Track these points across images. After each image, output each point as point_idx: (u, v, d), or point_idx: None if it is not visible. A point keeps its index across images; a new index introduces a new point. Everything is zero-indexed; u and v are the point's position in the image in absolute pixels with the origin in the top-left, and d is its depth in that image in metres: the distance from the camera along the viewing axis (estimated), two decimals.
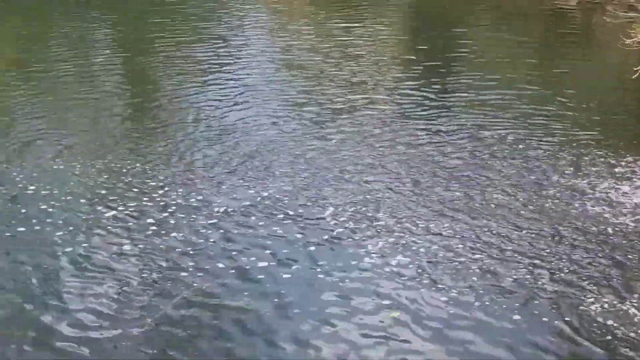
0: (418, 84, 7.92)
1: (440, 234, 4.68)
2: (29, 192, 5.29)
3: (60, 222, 4.85)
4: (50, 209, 5.01)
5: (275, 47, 9.69)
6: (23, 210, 5.02)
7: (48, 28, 10.61)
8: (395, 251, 4.48)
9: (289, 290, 4.11)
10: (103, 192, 5.27)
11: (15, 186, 5.37)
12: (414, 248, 4.51)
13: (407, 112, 7.09)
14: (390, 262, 4.36)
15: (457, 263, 4.34)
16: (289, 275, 4.25)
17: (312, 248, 4.53)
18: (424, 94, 7.58)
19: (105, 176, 5.52)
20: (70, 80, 8.16)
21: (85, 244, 4.57)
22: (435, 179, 5.54)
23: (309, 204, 5.11)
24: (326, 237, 4.65)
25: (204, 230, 4.74)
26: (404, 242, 4.59)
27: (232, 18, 11.35)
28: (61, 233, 4.71)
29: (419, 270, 4.28)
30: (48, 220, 4.88)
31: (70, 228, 4.76)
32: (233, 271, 4.28)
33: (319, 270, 4.29)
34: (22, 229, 4.79)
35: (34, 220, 4.88)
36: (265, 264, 4.36)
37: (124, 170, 5.63)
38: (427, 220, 4.87)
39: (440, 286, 4.12)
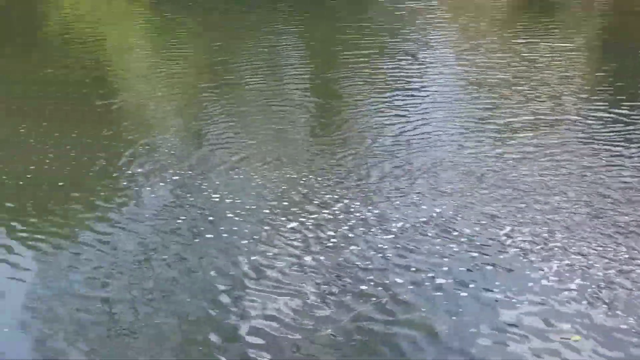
0: (606, 104, 7.67)
1: (618, 259, 4.54)
2: (213, 200, 5.55)
3: (243, 231, 5.05)
4: (234, 218, 5.23)
5: (460, 63, 9.65)
6: (210, 218, 5.28)
7: (239, 37, 11.05)
8: (571, 274, 4.37)
9: (464, 309, 4.10)
10: (283, 203, 5.45)
11: (200, 194, 5.65)
12: (590, 271, 4.39)
13: (592, 132, 6.89)
14: (566, 286, 4.26)
15: (634, 289, 4.20)
16: (465, 294, 4.24)
17: (488, 268, 4.51)
18: (612, 115, 7.33)
19: (284, 187, 5.71)
20: (256, 90, 8.47)
21: (266, 254, 4.73)
22: (613, 201, 5.37)
23: (483, 222, 5.07)
24: (501, 257, 4.61)
25: (380, 245, 4.80)
26: (579, 265, 4.48)
27: (417, 34, 11.42)
28: (244, 242, 4.90)
29: (596, 295, 4.16)
30: (232, 228, 5.09)
31: (252, 238, 4.95)
32: (410, 287, 4.31)
33: (494, 290, 4.26)
34: (210, 235, 5.04)
35: (220, 228, 5.11)
36: (441, 281, 4.37)
37: (302, 182, 5.80)
38: (604, 243, 4.73)
39: (618, 312, 4.00)
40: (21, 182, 5.96)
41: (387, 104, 7.92)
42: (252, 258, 4.67)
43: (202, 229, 5.11)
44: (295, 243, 4.86)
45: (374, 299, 4.20)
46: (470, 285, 4.32)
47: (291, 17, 12.84)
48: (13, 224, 5.29)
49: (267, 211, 5.33)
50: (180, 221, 5.23)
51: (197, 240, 4.96)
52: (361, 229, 5.03)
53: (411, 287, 4.31)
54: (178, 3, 12.53)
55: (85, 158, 6.39)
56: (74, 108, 7.83)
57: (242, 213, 5.30)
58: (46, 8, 12.38)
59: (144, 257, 4.76)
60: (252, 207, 5.39)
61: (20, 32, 10.85)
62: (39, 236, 5.11)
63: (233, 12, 12.07)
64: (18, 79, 8.64)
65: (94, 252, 4.86)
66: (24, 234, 5.15)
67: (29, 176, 6.05)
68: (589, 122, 7.15)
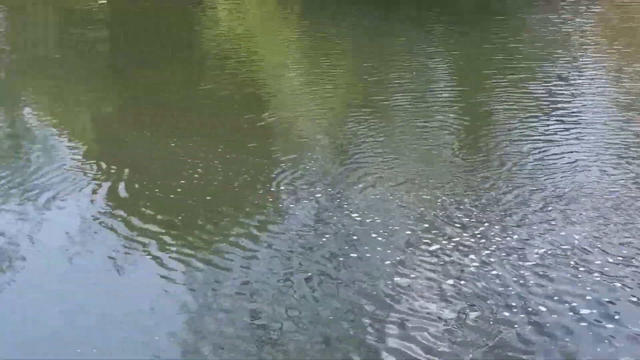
0: None
1: None
2: (354, 219, 5.63)
3: (384, 252, 5.12)
4: (375, 238, 5.32)
5: (614, 89, 9.41)
6: (352, 238, 5.38)
7: (388, 56, 11.13)
8: None
9: (608, 341, 4.02)
10: (423, 225, 5.48)
11: (342, 212, 5.76)
12: None
13: None
14: None
15: None
16: (609, 326, 4.16)
17: (632, 300, 4.41)
18: None
19: (424, 208, 5.74)
20: (403, 110, 8.51)
21: (407, 276, 4.79)
22: None
23: (619, 257, 4.95)
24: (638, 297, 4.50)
25: (520, 272, 4.77)
26: None
27: (570, 58, 11.19)
28: (385, 263, 4.98)
29: None
30: (373, 248, 5.17)
31: (393, 259, 5.02)
32: (552, 316, 4.27)
33: (633, 331, 4.16)
34: (352, 255, 5.12)
35: (361, 248, 5.20)
36: (584, 312, 4.31)
37: (443, 204, 5.82)
38: None
39: None
40: (172, 196, 6.22)
41: (534, 128, 7.82)
42: (393, 280, 4.74)
43: (344, 248, 5.22)
44: (435, 267, 4.90)
45: (515, 326, 4.18)
46: (615, 318, 4.23)
47: (441, 38, 12.84)
48: (164, 237, 5.53)
49: (408, 232, 5.38)
50: (323, 239, 5.36)
51: (339, 259, 5.07)
52: (501, 254, 5.02)
53: (553, 316, 4.27)
54: (331, 25, 12.75)
55: (231, 173, 6.61)
56: (223, 123, 8.12)
57: (383, 233, 5.37)
58: (203, 27, 12.87)
59: (288, 274, 4.91)
60: (393, 227, 5.46)
61: (178, 50, 11.32)
62: (188, 250, 5.33)
63: (383, 31, 12.17)
64: (174, 94, 9.02)
65: (240, 267, 5.04)
66: (174, 248, 5.37)
67: (179, 190, 6.32)
68: None
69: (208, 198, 6.18)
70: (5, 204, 6.06)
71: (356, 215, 5.72)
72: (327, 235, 5.41)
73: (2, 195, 6.20)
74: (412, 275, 4.78)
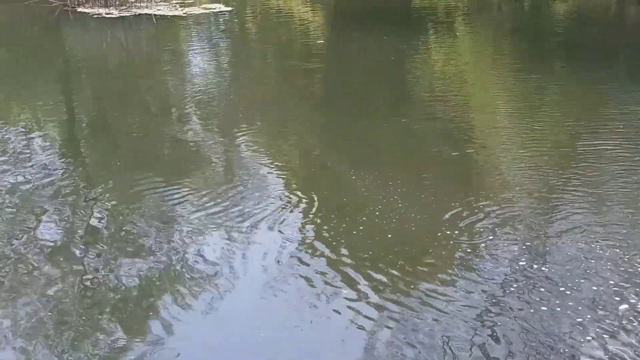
0: None
1: None
2: (553, 269, 5.44)
3: (578, 308, 4.90)
4: (572, 293, 5.10)
5: None
6: (549, 288, 5.19)
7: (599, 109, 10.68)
8: None
9: None
10: (625, 283, 5.20)
11: (540, 262, 5.57)
12: None
13: None
14: None
15: None
16: None
17: None
18: None
19: (630, 265, 5.45)
20: (615, 158, 8.10)
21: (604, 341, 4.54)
22: None
23: None
24: None
25: None
26: None
27: None
28: (577, 320, 4.75)
29: None
30: (566, 303, 4.98)
31: (585, 316, 4.78)
32: None
33: None
34: (544, 308, 4.95)
35: (557, 301, 5.01)
36: None
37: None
38: None
39: None
40: (370, 231, 6.26)
41: None
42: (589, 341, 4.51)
43: (537, 300, 5.03)
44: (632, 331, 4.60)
45: None
46: None
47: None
48: (359, 274, 5.58)
49: (604, 289, 5.10)
50: (519, 289, 5.20)
51: (530, 311, 4.90)
52: None
53: None
54: (546, 71, 12.39)
55: (434, 205, 6.57)
56: (425, 160, 8.08)
57: (581, 288, 5.12)
58: (416, 65, 12.93)
59: (476, 327, 4.82)
60: (593, 283, 5.19)
61: (388, 90, 11.43)
62: (381, 289, 5.36)
63: (601, 80, 11.62)
64: (381, 129, 9.11)
65: (435, 310, 5.01)
66: (369, 284, 5.42)
67: (377, 223, 6.35)
68: None
69: (407, 235, 6.17)
70: (214, 229, 6.38)
71: (555, 265, 5.48)
72: (523, 285, 5.24)
73: (212, 219, 6.53)
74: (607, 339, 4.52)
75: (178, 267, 5.77)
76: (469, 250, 5.84)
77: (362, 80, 11.60)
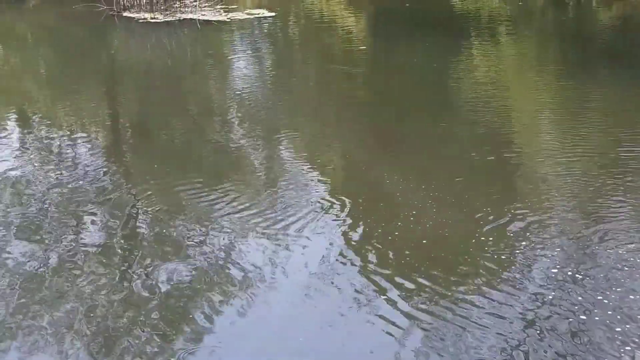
0: None
1: None
2: (589, 283, 5.43)
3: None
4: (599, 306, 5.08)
5: None
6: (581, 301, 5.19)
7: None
8: None
9: None
10: None
11: (576, 281, 5.56)
12: None
13: None
14: None
15: None
16: None
17: None
18: None
19: None
20: None
21: None
22: None
23: None
24: None
25: None
26: None
27: None
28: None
29: None
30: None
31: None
32: None
33: None
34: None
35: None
36: None
37: None
38: None
39: None
40: (408, 236, 6.28)
41: None
42: None
43: (582, 310, 5.03)
44: None
45: None
46: None
47: None
48: (398, 282, 5.61)
49: None
50: (557, 294, 5.19)
51: (579, 320, 4.92)
52: None
53: None
54: (590, 77, 12.27)
55: (471, 211, 6.56)
56: (464, 164, 8.06)
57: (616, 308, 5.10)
58: (457, 71, 12.89)
59: (523, 330, 4.85)
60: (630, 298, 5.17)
61: (429, 95, 11.42)
62: (423, 298, 5.38)
63: None
64: (421, 131, 9.12)
65: (469, 320, 5.04)
66: (408, 296, 5.44)
67: (413, 229, 6.37)
68: None
69: (442, 241, 6.18)
70: (253, 233, 6.45)
71: (593, 275, 5.47)
72: (559, 295, 5.24)
73: (251, 223, 6.61)
74: None
75: (217, 271, 5.85)
76: (504, 258, 5.83)
77: (403, 85, 11.61)
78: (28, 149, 8.89)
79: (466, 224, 6.46)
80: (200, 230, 6.56)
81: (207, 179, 7.76)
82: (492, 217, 6.53)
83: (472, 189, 7.28)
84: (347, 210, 6.87)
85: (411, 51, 13.67)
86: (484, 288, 5.42)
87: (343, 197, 7.15)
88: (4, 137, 9.32)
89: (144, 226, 6.75)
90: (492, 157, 8.21)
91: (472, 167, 7.98)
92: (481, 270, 5.67)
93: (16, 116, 10.48)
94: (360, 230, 6.49)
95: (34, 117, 10.36)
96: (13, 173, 7.94)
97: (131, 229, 6.67)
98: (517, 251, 5.93)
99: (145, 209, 7.07)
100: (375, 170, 8.00)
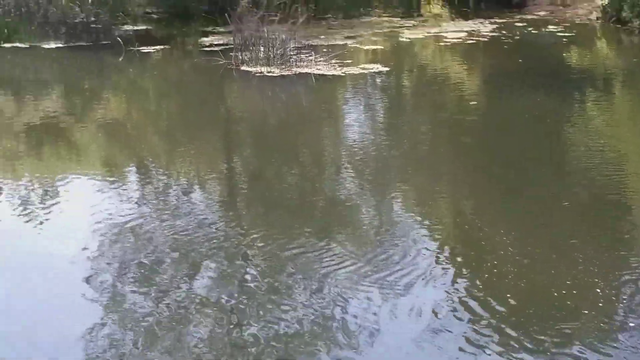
0: None
1: None
2: None
3: None
4: None
5: None
6: None
7: None
8: None
9: None
10: None
11: None
12: None
13: None
14: None
15: None
16: None
17: None
18: None
19: None
20: None
21: None
22: None
23: None
24: None
25: None
26: None
27: None
28: None
29: None
30: None
31: None
32: None
33: None
34: None
35: None
36: None
37: None
38: None
39: None
40: (523, 285, 6.22)
41: None
42: None
43: None
44: None
45: None
46: None
47: None
48: (498, 335, 5.55)
49: None
50: None
51: None
52: None
53: None
54: None
55: (585, 264, 6.44)
56: (577, 220, 7.93)
57: None
58: (575, 129, 12.70)
59: None
60: None
61: (541, 151, 11.26)
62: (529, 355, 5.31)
63: None
64: (528, 194, 9.01)
65: None
66: (516, 349, 5.39)
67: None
68: None
69: (554, 294, 6.11)
70: (363, 285, 6.54)
71: None
72: None
73: (361, 275, 6.68)
74: None
75: (325, 323, 5.93)
76: (620, 312, 5.70)
77: (515, 138, 11.52)
78: (146, 198, 9.24)
79: (581, 278, 6.36)
80: (309, 281, 6.67)
81: (317, 229, 7.89)
82: (608, 271, 6.40)
83: (587, 244, 7.18)
84: (457, 261, 6.89)
85: (524, 105, 13.57)
86: (598, 346, 5.30)
87: (454, 249, 7.18)
88: (124, 186, 9.70)
89: (254, 276, 6.89)
90: (606, 214, 8.09)
91: (585, 222, 7.87)
92: (596, 327, 5.55)
93: (136, 165, 10.91)
94: (471, 282, 6.49)
95: (153, 167, 10.76)
96: (131, 222, 8.24)
97: (242, 279, 6.83)
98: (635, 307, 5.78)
99: (256, 259, 7.23)
100: (486, 222, 7.98)
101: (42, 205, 8.89)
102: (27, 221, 8.43)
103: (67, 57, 21.74)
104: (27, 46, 22.90)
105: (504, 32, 23.37)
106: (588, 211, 8.20)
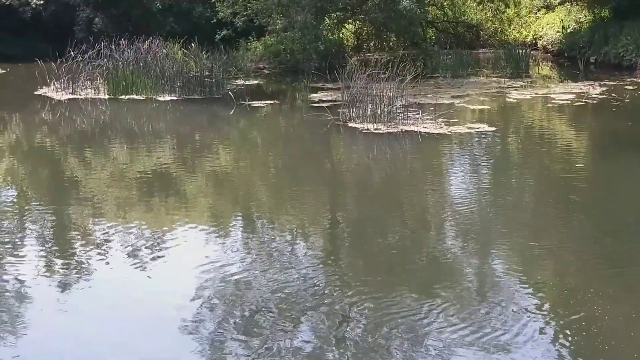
0: None
1: None
2: None
3: None
4: None
5: None
6: None
7: None
8: None
9: None
10: None
11: None
12: None
13: None
14: None
15: None
16: None
17: None
18: None
19: None
20: None
21: None
22: None
23: None
24: None
25: None
26: None
27: None
28: None
29: None
30: None
31: None
32: None
33: None
34: None
35: None
36: None
37: None
38: None
39: None
40: None
41: None
42: None
43: None
44: None
45: None
46: None
47: None
48: None
49: None
50: None
51: None
52: None
53: None
54: None
55: None
56: None
57: None
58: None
59: None
60: None
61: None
62: None
63: None
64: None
65: None
66: None
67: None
68: None
69: None
70: (462, 347, 6.53)
71: None
72: None
73: (461, 337, 6.67)
74: None
75: None
76: None
77: (622, 204, 11.24)
78: (251, 249, 9.44)
79: None
80: (410, 343, 6.67)
81: (419, 290, 7.90)
82: None
83: None
84: (555, 326, 6.81)
85: (632, 171, 13.29)
86: None
87: (553, 314, 7.08)
88: (229, 239, 9.93)
89: (354, 335, 6.94)
90: None
91: None
92: None
93: (242, 217, 11.17)
94: (565, 347, 6.37)
95: (258, 221, 10.98)
96: (235, 275, 8.42)
97: (341, 336, 6.89)
98: None
99: (356, 317, 7.27)
100: (590, 288, 7.80)
101: (150, 253, 9.18)
102: (136, 268, 8.73)
103: (180, 110, 22.51)
104: (143, 98, 23.86)
105: (613, 94, 22.98)
106: None
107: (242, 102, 22.50)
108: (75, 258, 9.13)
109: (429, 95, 22.41)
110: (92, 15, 42.38)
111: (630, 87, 24.82)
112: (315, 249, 9.53)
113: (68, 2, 42.38)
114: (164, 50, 26.17)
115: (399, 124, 17.55)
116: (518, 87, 25.72)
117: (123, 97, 23.90)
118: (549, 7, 43.39)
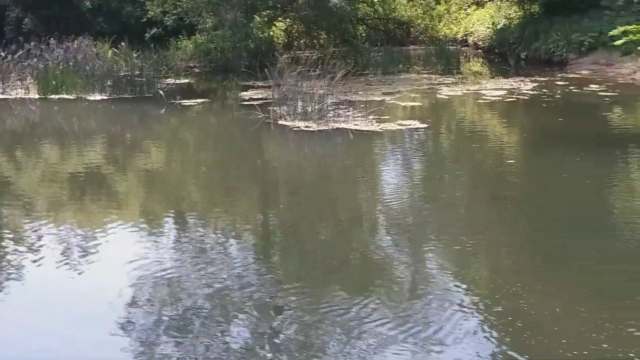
0: None
1: None
2: None
3: None
4: None
5: None
6: None
7: None
8: None
9: None
10: None
11: None
12: None
13: None
14: None
15: None
16: None
17: None
18: None
19: None
20: None
21: None
22: None
23: None
24: None
25: None
26: None
27: None
28: None
29: None
30: None
31: None
32: None
33: None
34: None
35: None
36: None
37: None
38: None
39: None
40: None
41: None
42: None
43: None
44: None
45: None
46: None
47: None
48: None
49: None
50: None
51: None
52: None
53: None
54: None
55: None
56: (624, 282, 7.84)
57: None
58: (616, 191, 12.57)
59: None
60: None
61: (585, 212, 11.14)
62: None
63: None
64: (562, 256, 8.93)
65: None
66: None
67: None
68: None
69: None
70: (396, 342, 6.51)
71: None
72: None
73: (394, 332, 6.66)
74: None
75: None
76: None
77: (553, 199, 11.40)
78: (182, 249, 9.31)
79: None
80: (342, 337, 6.64)
81: (353, 288, 7.87)
82: None
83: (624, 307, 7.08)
84: (489, 320, 6.86)
85: (562, 166, 13.50)
86: None
87: (486, 308, 7.12)
88: (160, 237, 9.78)
89: (287, 330, 6.88)
90: None
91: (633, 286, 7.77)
92: None
93: (174, 215, 11.02)
94: (500, 340, 6.42)
95: (189, 219, 10.85)
96: (166, 272, 8.30)
97: (274, 333, 6.82)
98: None
99: (289, 313, 7.22)
100: (522, 284, 7.87)
101: (81, 252, 9.03)
102: (67, 267, 8.55)
103: (110, 109, 22.19)
104: (74, 97, 23.48)
105: (544, 90, 23.37)
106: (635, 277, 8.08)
107: (173, 101, 22.28)
108: (5, 257, 8.92)
109: (360, 93, 22.46)
110: (22, 15, 41.57)
111: (561, 83, 25.28)
112: (247, 247, 9.45)
113: None
114: (94, 50, 25.92)
115: (330, 122, 17.55)
116: (449, 83, 25.98)
117: (53, 96, 23.53)
118: (479, 4, 44.02)
